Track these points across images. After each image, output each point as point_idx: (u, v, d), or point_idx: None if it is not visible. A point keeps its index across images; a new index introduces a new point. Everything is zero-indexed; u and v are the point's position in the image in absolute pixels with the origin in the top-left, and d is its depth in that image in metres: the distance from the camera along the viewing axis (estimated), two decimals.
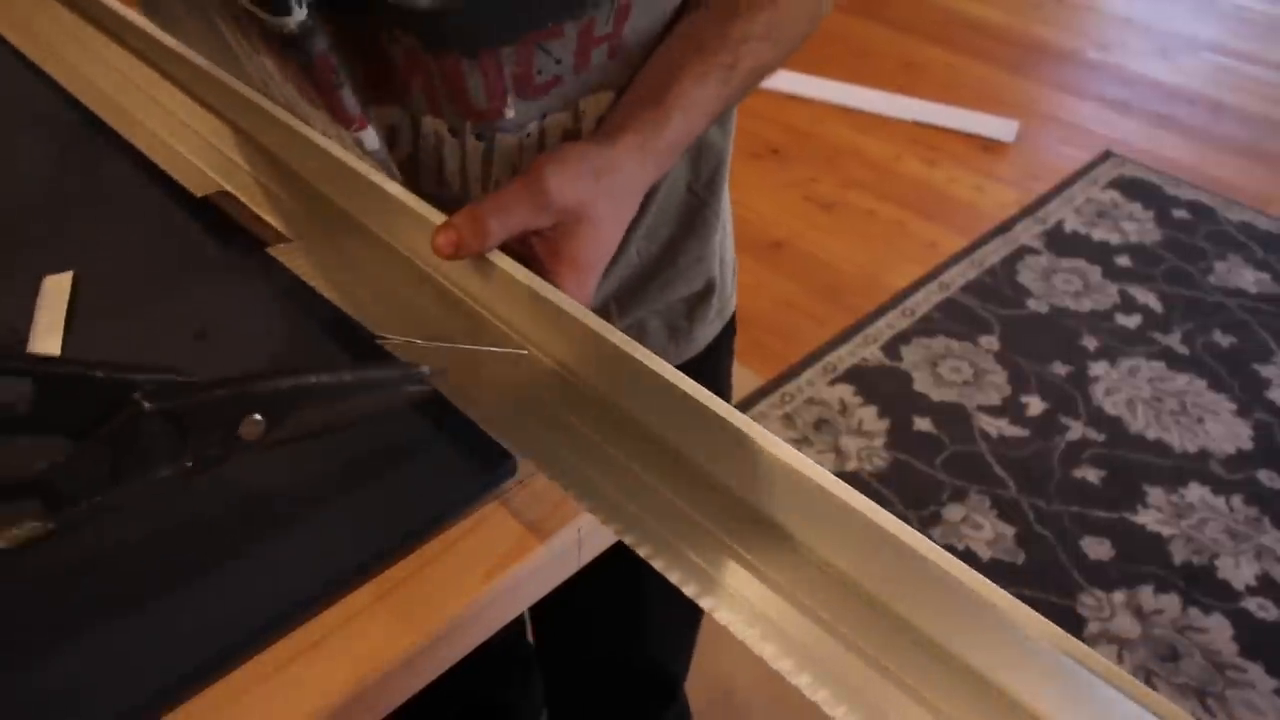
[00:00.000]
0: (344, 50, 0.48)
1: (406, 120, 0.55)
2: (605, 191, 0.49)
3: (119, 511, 0.36)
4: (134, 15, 0.69)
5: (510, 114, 0.52)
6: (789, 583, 0.37)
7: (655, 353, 0.42)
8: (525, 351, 0.47)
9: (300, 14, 0.45)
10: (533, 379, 0.47)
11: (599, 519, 0.40)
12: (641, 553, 0.39)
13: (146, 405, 0.35)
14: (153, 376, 0.35)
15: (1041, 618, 0.32)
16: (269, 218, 0.57)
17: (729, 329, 0.77)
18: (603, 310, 0.67)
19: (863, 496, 0.36)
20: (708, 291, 0.71)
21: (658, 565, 0.38)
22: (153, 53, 0.68)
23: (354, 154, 0.52)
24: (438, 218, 0.48)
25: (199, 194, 0.58)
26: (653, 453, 0.43)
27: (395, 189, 0.51)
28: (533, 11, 0.48)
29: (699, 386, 0.40)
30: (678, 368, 0.42)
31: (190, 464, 0.37)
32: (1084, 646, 0.31)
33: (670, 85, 0.52)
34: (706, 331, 0.74)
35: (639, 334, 0.70)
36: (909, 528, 0.34)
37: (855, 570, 0.37)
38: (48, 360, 0.33)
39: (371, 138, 0.51)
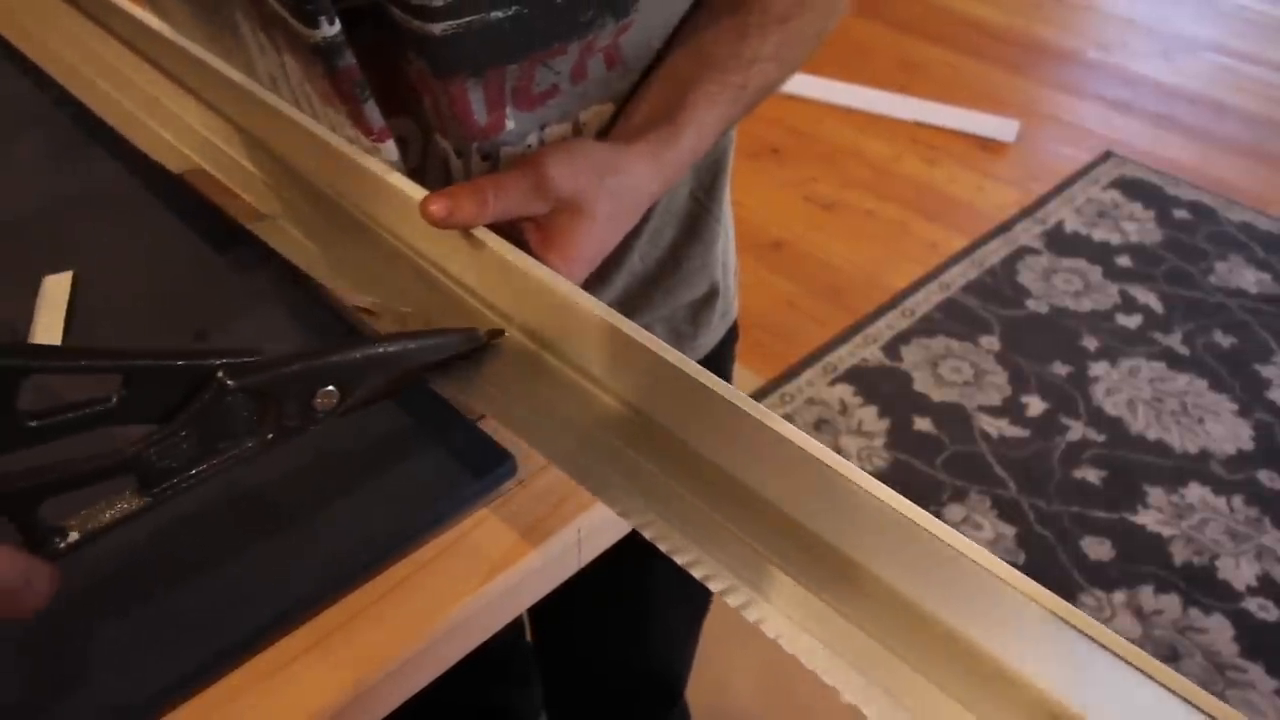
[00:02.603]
0: (364, 64, 0.48)
1: (418, 134, 0.55)
2: (609, 191, 0.49)
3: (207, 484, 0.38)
4: (122, 2, 0.68)
5: (510, 124, 0.52)
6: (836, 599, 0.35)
7: None
8: (505, 332, 0.47)
9: (329, 30, 0.45)
10: (518, 362, 0.46)
11: (626, 518, 0.39)
12: (681, 560, 0.37)
13: (230, 383, 0.36)
14: (232, 359, 0.37)
15: (1105, 629, 0.30)
16: (249, 197, 0.57)
17: (731, 333, 0.77)
18: None
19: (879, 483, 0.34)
20: (711, 296, 0.71)
21: (700, 572, 0.37)
22: (135, 36, 0.68)
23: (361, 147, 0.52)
24: (422, 195, 0.47)
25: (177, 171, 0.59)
26: (640, 432, 0.41)
27: (385, 170, 0.50)
28: (539, 34, 0.49)
29: (684, 357, 0.39)
30: None
31: (271, 435, 0.39)
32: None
33: (683, 103, 0.52)
34: (710, 337, 0.74)
35: None
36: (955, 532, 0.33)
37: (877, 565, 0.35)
38: (132, 353, 0.35)
39: (391, 149, 0.51)
